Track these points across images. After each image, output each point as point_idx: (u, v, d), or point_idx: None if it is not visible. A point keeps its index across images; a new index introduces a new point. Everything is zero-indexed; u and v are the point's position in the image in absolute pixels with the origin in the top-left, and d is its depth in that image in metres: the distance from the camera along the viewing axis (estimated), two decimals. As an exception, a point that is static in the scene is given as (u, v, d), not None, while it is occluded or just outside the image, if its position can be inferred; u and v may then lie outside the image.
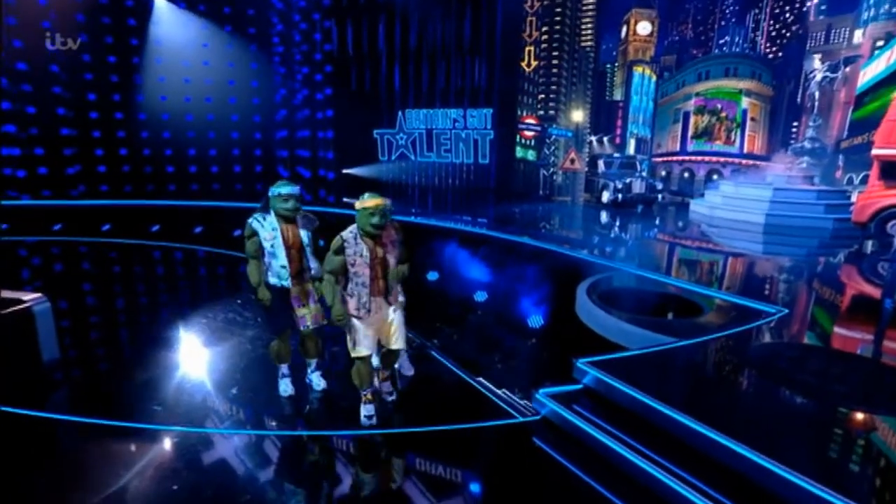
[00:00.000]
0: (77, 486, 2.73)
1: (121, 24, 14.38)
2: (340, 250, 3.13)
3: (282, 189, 3.43)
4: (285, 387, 3.68)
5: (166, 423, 3.31)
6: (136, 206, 13.59)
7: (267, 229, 3.47)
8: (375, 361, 3.68)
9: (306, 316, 3.55)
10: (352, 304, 3.17)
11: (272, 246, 3.46)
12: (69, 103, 13.99)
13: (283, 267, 3.48)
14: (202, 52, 15.29)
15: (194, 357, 4.41)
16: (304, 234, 3.52)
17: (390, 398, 3.50)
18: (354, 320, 3.19)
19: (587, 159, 18.01)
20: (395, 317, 3.26)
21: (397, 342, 3.30)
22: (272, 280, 3.50)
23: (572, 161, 15.43)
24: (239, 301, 5.74)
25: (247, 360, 4.26)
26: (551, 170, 18.59)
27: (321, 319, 3.55)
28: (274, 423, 3.37)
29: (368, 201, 3.10)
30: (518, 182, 17.51)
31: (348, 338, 3.23)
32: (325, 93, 16.38)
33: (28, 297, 4.09)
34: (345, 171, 16.64)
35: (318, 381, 3.77)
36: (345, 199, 14.99)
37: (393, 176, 16.87)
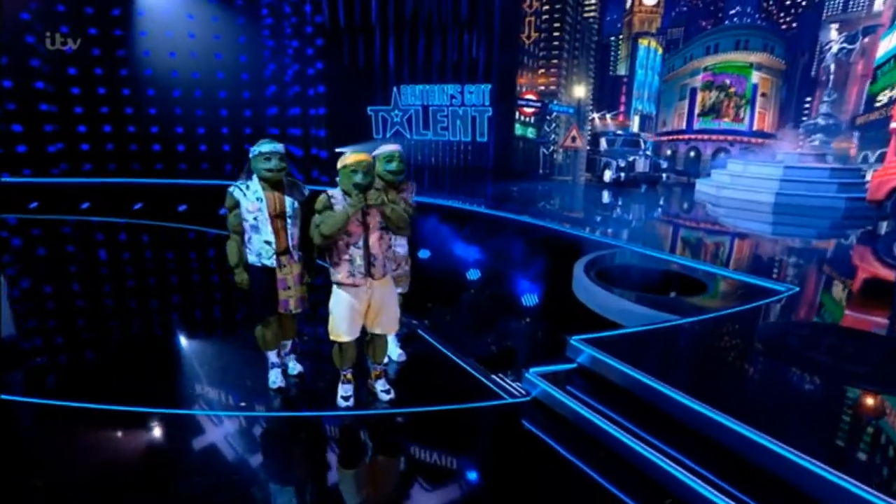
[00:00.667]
0: (34, 469, 2.60)
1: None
2: (327, 207, 2.88)
3: (262, 147, 3.14)
4: (275, 378, 3.42)
5: (129, 405, 3.14)
6: (118, 183, 13.42)
7: (250, 199, 3.18)
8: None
9: (290, 299, 3.32)
10: (343, 271, 2.93)
11: (255, 219, 3.17)
12: (49, 77, 13.72)
13: (268, 243, 3.20)
14: (187, 24, 14.97)
15: (166, 338, 4.35)
16: (289, 204, 3.22)
17: (388, 398, 3.18)
18: (341, 294, 2.96)
19: (589, 137, 17.75)
20: (382, 294, 3.02)
21: (382, 325, 3.07)
22: (251, 259, 3.23)
23: (573, 139, 15.21)
24: (217, 280, 5.76)
25: (226, 341, 4.20)
26: (551, 148, 18.37)
27: (305, 304, 3.35)
28: (243, 404, 3.21)
29: (349, 157, 2.88)
30: (517, 161, 17.37)
31: (330, 318, 3.02)
32: (317, 67, 16.08)
33: None
34: (338, 149, 16.43)
35: (293, 364, 3.58)
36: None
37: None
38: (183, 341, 4.32)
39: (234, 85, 15.32)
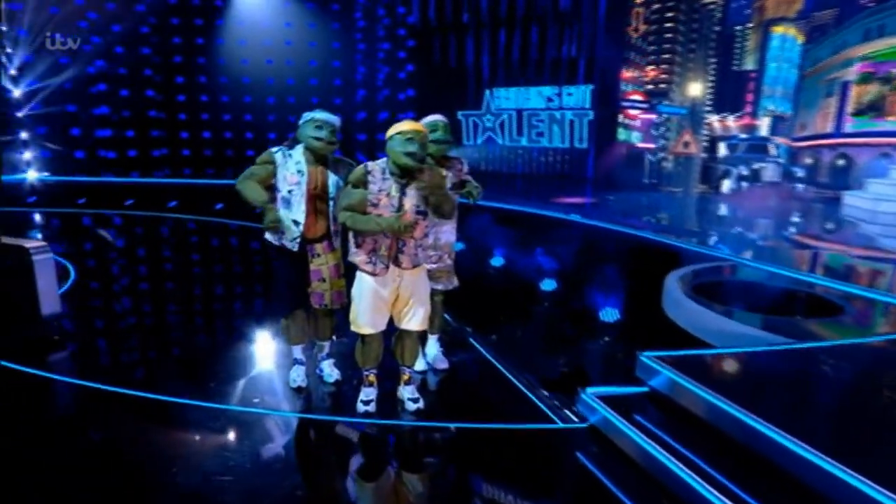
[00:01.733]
0: (68, 449, 2.70)
1: (207, 4, 15.56)
2: (361, 182, 2.73)
3: (317, 114, 3.03)
4: (296, 376, 3.31)
5: (138, 389, 3.25)
6: (204, 185, 14.61)
7: (290, 168, 3.02)
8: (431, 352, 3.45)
9: (325, 293, 3.16)
10: (362, 254, 2.80)
11: (290, 192, 3.01)
12: (159, 86, 15.42)
13: (296, 223, 3.04)
14: (284, 32, 16.12)
15: (202, 328, 4.64)
16: (332, 183, 3.06)
17: (414, 406, 2.97)
18: (364, 280, 2.82)
19: (706, 142, 16.44)
20: (412, 283, 2.84)
21: (412, 319, 2.89)
22: (270, 237, 3.12)
23: (686, 144, 14.12)
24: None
25: (261, 332, 4.31)
26: (659, 154, 17.34)
27: (344, 299, 3.14)
28: (256, 400, 3.12)
29: (404, 124, 2.74)
30: (619, 169, 16.51)
31: (352, 305, 2.88)
32: (407, 70, 16.52)
33: (30, 244, 4.23)
34: None
35: (329, 370, 3.40)
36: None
37: (477, 161, 16.63)
38: (212, 331, 4.61)
39: (326, 90, 16.16)
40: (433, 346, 3.63)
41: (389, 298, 2.86)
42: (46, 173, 13.75)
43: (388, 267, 2.80)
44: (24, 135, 13.70)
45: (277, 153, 3.07)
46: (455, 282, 3.48)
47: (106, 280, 6.10)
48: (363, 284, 2.84)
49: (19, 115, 13.45)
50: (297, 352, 3.36)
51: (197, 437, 2.82)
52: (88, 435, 2.84)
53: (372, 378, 3.01)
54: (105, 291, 5.64)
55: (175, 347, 4.23)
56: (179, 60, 15.57)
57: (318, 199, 3.08)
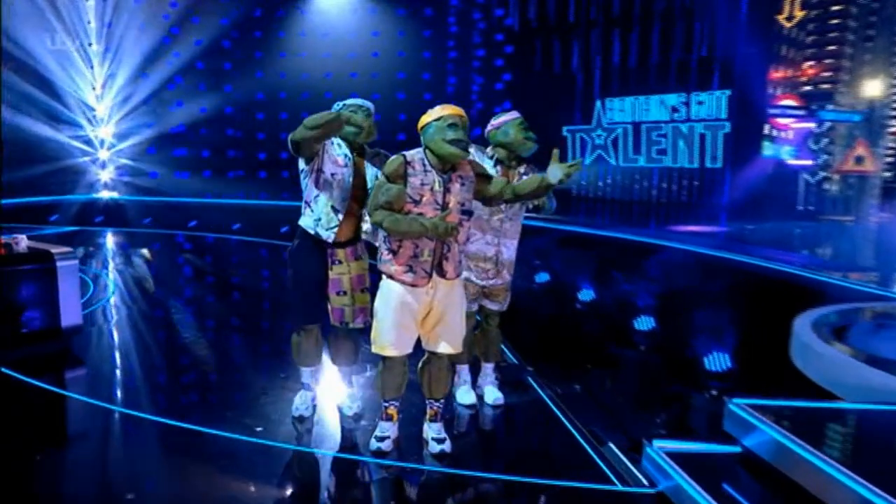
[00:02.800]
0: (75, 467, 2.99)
1: (291, 15, 16.98)
2: (399, 175, 2.75)
3: (347, 101, 3.19)
4: (300, 403, 3.34)
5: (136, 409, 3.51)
6: (279, 207, 15.59)
7: (337, 151, 3.14)
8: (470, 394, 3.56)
9: (345, 308, 3.20)
10: (400, 262, 2.81)
11: (333, 175, 3.11)
12: (238, 103, 16.94)
13: (335, 210, 3.12)
14: (371, 43, 17.13)
15: (218, 347, 5.07)
16: (370, 177, 3.17)
17: (439, 448, 2.89)
18: (393, 290, 2.81)
19: (889, 157, 14.75)
20: (448, 297, 2.84)
21: (444, 339, 2.86)
22: (306, 222, 3.20)
23: (859, 159, 12.85)
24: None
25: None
26: (820, 174, 15.80)
27: (367, 317, 3.16)
28: (259, 429, 3.19)
29: (443, 108, 2.87)
30: (765, 193, 15.35)
31: (374, 321, 2.90)
32: (504, 80, 16.77)
33: (55, 248, 4.66)
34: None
35: (350, 401, 3.40)
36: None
37: (585, 184, 16.35)
38: (227, 350, 5.04)
39: (415, 105, 16.80)
40: (488, 377, 3.67)
41: (420, 314, 2.84)
42: (115, 193, 15.51)
43: (430, 276, 2.79)
44: (102, 153, 15.62)
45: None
46: (510, 299, 3.57)
47: (130, 299, 6.64)
48: (390, 295, 2.82)
49: (98, 132, 15.42)
50: (306, 375, 3.38)
51: (182, 464, 2.93)
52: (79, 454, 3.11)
53: (392, 411, 2.96)
54: (129, 309, 6.16)
55: (184, 367, 4.54)
56: (260, 76, 17.07)
57: (358, 189, 3.14)
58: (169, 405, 3.70)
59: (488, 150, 3.49)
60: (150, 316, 5.98)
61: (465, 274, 3.36)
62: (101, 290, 6.81)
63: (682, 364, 4.54)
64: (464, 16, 17.07)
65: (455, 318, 2.88)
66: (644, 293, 6.79)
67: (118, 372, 4.36)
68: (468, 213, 2.83)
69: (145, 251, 10.00)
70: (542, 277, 7.75)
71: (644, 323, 5.66)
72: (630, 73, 15.90)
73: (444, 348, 2.88)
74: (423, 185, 2.73)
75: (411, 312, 2.82)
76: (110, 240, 11.11)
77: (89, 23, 15.04)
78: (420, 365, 2.98)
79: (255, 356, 4.79)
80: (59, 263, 4.60)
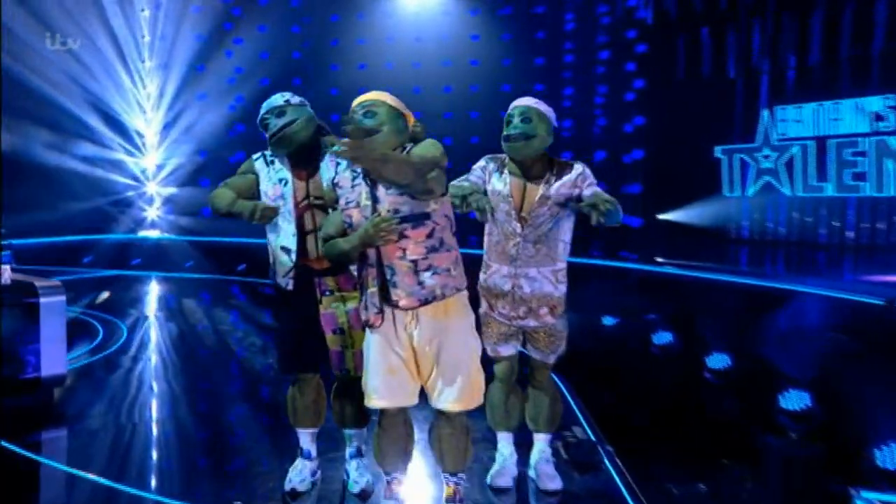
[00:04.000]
0: None
1: (373, 18, 17.58)
2: (331, 198, 3.12)
3: (266, 102, 3.45)
4: (294, 475, 3.51)
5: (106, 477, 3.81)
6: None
7: (272, 178, 3.40)
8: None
9: (344, 351, 3.38)
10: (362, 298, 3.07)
11: (281, 205, 3.37)
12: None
13: (286, 251, 3.34)
14: (469, 48, 17.34)
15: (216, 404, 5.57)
16: (327, 178, 3.31)
17: None
18: (370, 333, 3.07)
19: None
20: (433, 331, 2.96)
21: (445, 391, 2.98)
22: (279, 280, 3.43)
23: None
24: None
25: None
26: None
27: None
28: None
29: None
30: None
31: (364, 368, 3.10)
32: (636, 87, 16.24)
33: (40, 281, 4.81)
34: (660, 216, 16.06)
35: (357, 475, 3.53)
36: (659, 259, 14.52)
37: (747, 224, 15.34)
38: (224, 409, 5.51)
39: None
40: (540, 452, 3.73)
41: (407, 356, 2.98)
42: (158, 231, 16.43)
43: (380, 311, 2.93)
44: (150, 186, 16.77)
45: (258, 160, 3.47)
46: (562, 348, 3.65)
47: (140, 352, 7.24)
48: (371, 335, 3.03)
49: (145, 162, 16.59)
50: (304, 439, 3.56)
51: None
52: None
53: (398, 487, 3.07)
54: (133, 363, 6.68)
55: (178, 430, 4.83)
56: (336, 92, 17.72)
57: (314, 211, 3.33)
58: (150, 476, 4.00)
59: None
60: (154, 371, 6.42)
61: (483, 307, 3.60)
62: (108, 338, 7.19)
63: (851, 459, 4.31)
64: (584, 10, 16.78)
65: (456, 363, 2.94)
66: (813, 364, 6.61)
67: (103, 435, 4.57)
68: (411, 220, 2.88)
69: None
70: (664, 337, 7.63)
71: (796, 401, 5.37)
72: (811, 70, 14.78)
73: (449, 403, 2.96)
74: (347, 203, 2.98)
75: (394, 353, 2.97)
76: (144, 285, 11.80)
77: (143, 37, 16.45)
78: (429, 428, 3.12)
79: (265, 417, 5.14)
80: (43, 300, 4.77)
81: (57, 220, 13.90)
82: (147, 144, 16.62)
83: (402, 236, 2.88)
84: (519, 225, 3.43)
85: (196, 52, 16.56)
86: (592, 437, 4.37)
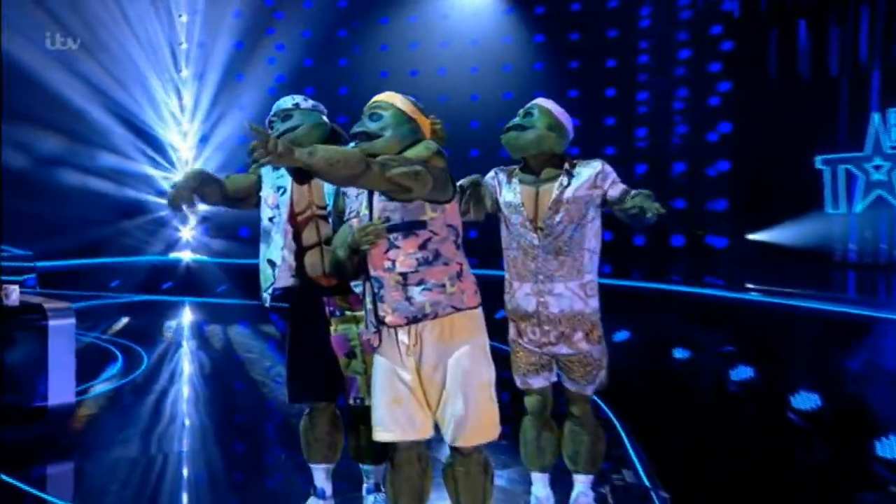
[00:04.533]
0: None
1: (427, 20, 17.76)
2: (337, 209, 3.31)
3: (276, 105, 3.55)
4: None
5: None
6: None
7: (270, 185, 3.51)
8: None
9: (359, 377, 3.42)
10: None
11: (270, 220, 3.48)
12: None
13: (271, 264, 3.46)
14: (529, 50, 17.33)
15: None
16: (330, 193, 3.43)
17: None
18: (376, 357, 3.09)
19: None
20: (438, 354, 2.95)
21: (454, 427, 2.95)
22: (265, 294, 3.53)
23: None
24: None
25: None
26: None
27: None
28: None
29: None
30: None
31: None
32: (720, 91, 15.94)
33: (49, 303, 4.93)
34: (750, 236, 15.79)
35: None
36: (749, 286, 14.18)
37: (854, 245, 14.94)
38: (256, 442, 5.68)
39: (596, 135, 16.51)
40: (581, 493, 3.68)
41: (414, 384, 2.98)
42: (190, 253, 16.73)
43: (377, 329, 2.96)
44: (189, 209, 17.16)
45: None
46: (601, 378, 3.60)
47: (160, 381, 7.45)
48: (376, 359, 3.06)
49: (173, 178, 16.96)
50: (318, 476, 3.61)
51: None
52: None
53: None
54: (152, 393, 6.83)
55: (191, 466, 4.94)
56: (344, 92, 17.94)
57: (318, 222, 3.43)
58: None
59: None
60: (170, 402, 6.56)
61: (511, 333, 3.66)
62: (128, 367, 7.38)
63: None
64: (662, 4, 16.60)
65: (464, 391, 2.92)
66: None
67: (110, 471, 4.67)
68: (402, 228, 2.89)
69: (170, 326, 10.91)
70: (744, 373, 7.61)
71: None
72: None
73: (459, 439, 2.95)
74: (350, 213, 3.12)
75: (400, 380, 2.97)
76: (172, 311, 12.12)
77: (181, 44, 17.00)
78: (443, 467, 3.09)
79: (280, 451, 5.28)
80: (51, 322, 4.90)
81: (84, 241, 14.34)
82: (181, 159, 17.06)
83: (392, 246, 2.88)
84: (535, 236, 3.43)
85: (235, 60, 16.95)
86: (646, 483, 4.30)
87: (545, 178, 3.50)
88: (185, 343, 9.80)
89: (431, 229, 2.90)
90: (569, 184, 3.45)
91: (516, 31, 17.52)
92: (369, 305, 2.96)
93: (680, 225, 16.51)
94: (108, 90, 15.41)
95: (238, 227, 16.75)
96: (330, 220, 3.44)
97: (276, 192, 3.46)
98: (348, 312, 3.42)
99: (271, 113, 3.53)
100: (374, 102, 3.05)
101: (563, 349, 3.51)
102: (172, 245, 16.98)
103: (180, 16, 16.79)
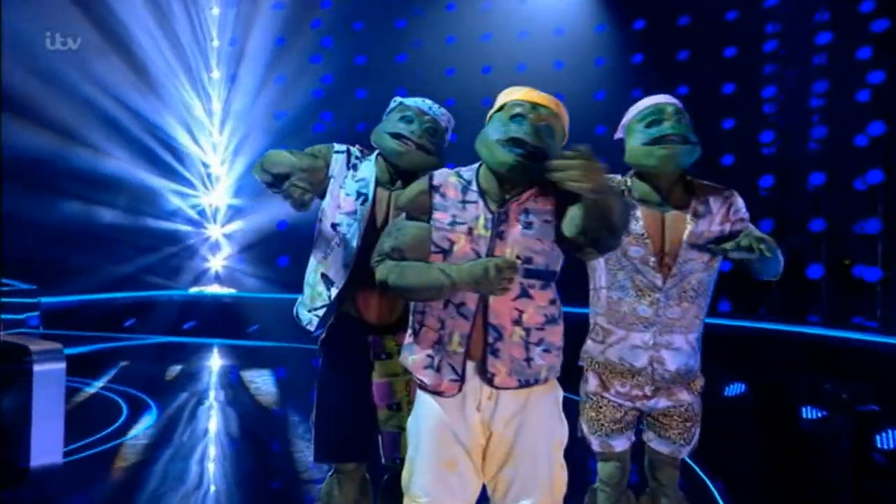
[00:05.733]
0: None
1: (502, 6, 17.74)
2: (420, 207, 3.10)
3: (408, 100, 3.63)
4: None
5: None
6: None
7: (348, 186, 3.56)
8: None
9: (400, 433, 3.44)
10: (420, 352, 3.06)
11: (335, 226, 3.51)
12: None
13: (327, 281, 3.47)
14: (630, 40, 17.19)
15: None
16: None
17: None
18: (425, 404, 3.09)
19: None
20: (521, 420, 2.99)
21: (519, 495, 2.97)
22: (309, 314, 3.60)
23: None
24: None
25: None
26: None
27: None
28: None
29: (514, 92, 3.06)
30: None
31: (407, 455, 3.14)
32: (871, 82, 15.48)
33: (36, 345, 4.94)
34: None
35: None
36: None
37: None
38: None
39: (711, 141, 16.11)
40: None
41: (472, 444, 2.98)
42: (219, 287, 16.94)
43: (461, 378, 2.92)
44: (213, 230, 17.46)
45: (341, 154, 3.62)
46: (697, 436, 3.59)
47: (169, 438, 7.54)
48: (421, 411, 3.07)
49: (210, 199, 17.28)
50: None
51: None
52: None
53: None
54: (156, 453, 6.89)
55: None
56: (452, 103, 17.94)
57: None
58: None
59: (621, 178, 3.58)
60: (177, 465, 6.59)
61: (592, 384, 3.60)
62: (131, 421, 7.43)
63: None
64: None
65: (536, 453, 2.96)
66: None
67: None
68: (543, 276, 2.91)
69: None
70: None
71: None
72: None
73: None
74: (455, 223, 2.94)
75: (456, 439, 2.96)
76: (194, 355, 12.26)
77: (212, 40, 17.31)
78: None
79: None
80: (37, 367, 4.92)
81: (97, 272, 14.62)
82: (212, 176, 17.32)
83: (524, 294, 2.89)
84: (660, 276, 3.35)
85: (275, 59, 17.13)
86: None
87: (676, 202, 3.43)
88: (205, 393, 9.85)
89: (557, 281, 2.96)
90: (704, 213, 3.39)
91: (610, 17, 17.36)
92: (458, 348, 2.92)
93: (819, 252, 16.09)
94: (123, 95, 15.62)
95: (276, 255, 16.93)
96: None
97: (355, 197, 3.50)
98: (392, 356, 3.44)
99: (411, 102, 3.62)
100: (543, 106, 2.98)
101: (661, 402, 3.49)
102: (199, 278, 17.19)
103: (212, 8, 17.09)
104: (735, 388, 9.01)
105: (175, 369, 11.16)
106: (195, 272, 17.32)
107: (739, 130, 16.71)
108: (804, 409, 8.40)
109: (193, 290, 16.85)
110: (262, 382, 10.56)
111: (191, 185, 17.23)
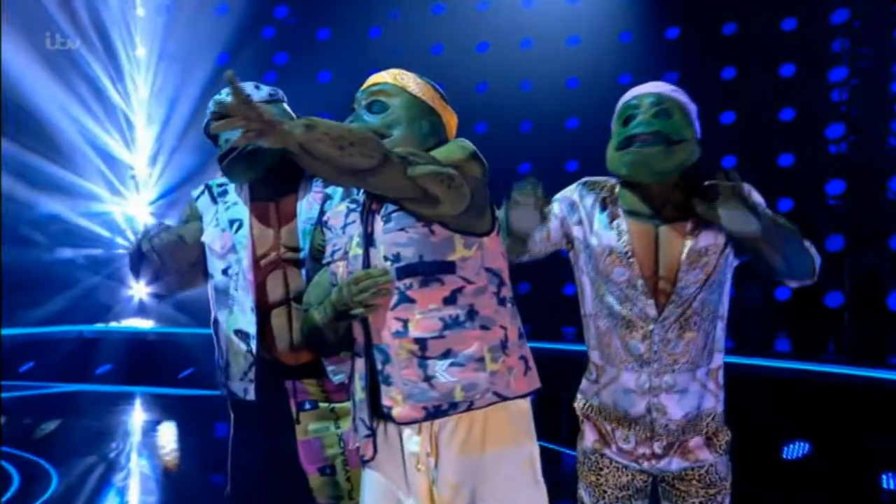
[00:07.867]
0: None
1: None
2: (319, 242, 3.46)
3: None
4: None
5: None
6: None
7: (220, 220, 3.78)
8: None
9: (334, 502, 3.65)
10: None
11: (224, 271, 3.68)
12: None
13: (243, 336, 3.61)
14: (661, 12, 17.25)
15: None
16: (305, 216, 3.67)
17: None
18: (365, 472, 3.21)
19: None
20: (463, 470, 2.97)
21: None
22: (234, 385, 3.76)
23: None
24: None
25: None
26: None
27: None
28: None
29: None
30: None
31: None
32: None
33: None
34: None
35: None
36: None
37: None
38: None
39: (763, 136, 16.29)
40: None
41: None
42: (149, 321, 16.84)
43: (371, 431, 3.02)
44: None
45: (201, 198, 3.89)
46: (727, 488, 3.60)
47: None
48: (364, 481, 3.20)
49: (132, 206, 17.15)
50: None
51: None
52: None
53: None
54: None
55: None
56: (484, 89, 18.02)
57: (287, 270, 3.69)
58: None
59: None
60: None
61: (589, 439, 3.66)
62: (25, 492, 7.38)
63: None
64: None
65: None
66: None
67: None
68: (420, 271, 2.92)
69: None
70: None
71: None
72: None
73: None
74: (333, 253, 3.18)
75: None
76: (109, 408, 12.20)
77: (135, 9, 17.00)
78: None
79: None
80: None
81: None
82: (137, 180, 17.17)
83: (404, 299, 2.91)
84: (653, 303, 3.34)
85: (216, 30, 16.83)
86: None
87: (670, 214, 3.43)
88: (119, 457, 9.82)
89: (463, 275, 2.92)
90: (707, 225, 3.33)
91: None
92: (361, 394, 2.99)
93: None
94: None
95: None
96: (304, 267, 3.60)
97: (227, 228, 3.63)
98: (324, 405, 3.61)
99: (210, 108, 3.71)
100: (373, 85, 3.13)
101: (675, 463, 3.46)
102: (116, 309, 17.05)
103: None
104: (797, 449, 8.91)
105: (82, 426, 11.07)
106: (112, 302, 17.13)
107: (800, 123, 16.83)
108: (884, 478, 8.25)
109: (109, 325, 16.60)
110: (193, 442, 10.51)
111: (113, 188, 16.97)
